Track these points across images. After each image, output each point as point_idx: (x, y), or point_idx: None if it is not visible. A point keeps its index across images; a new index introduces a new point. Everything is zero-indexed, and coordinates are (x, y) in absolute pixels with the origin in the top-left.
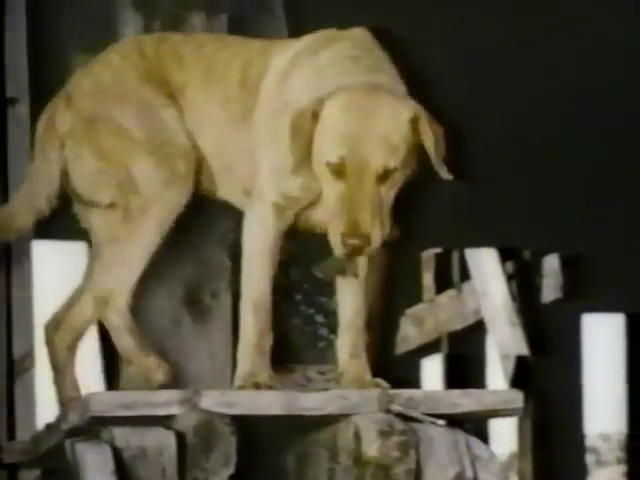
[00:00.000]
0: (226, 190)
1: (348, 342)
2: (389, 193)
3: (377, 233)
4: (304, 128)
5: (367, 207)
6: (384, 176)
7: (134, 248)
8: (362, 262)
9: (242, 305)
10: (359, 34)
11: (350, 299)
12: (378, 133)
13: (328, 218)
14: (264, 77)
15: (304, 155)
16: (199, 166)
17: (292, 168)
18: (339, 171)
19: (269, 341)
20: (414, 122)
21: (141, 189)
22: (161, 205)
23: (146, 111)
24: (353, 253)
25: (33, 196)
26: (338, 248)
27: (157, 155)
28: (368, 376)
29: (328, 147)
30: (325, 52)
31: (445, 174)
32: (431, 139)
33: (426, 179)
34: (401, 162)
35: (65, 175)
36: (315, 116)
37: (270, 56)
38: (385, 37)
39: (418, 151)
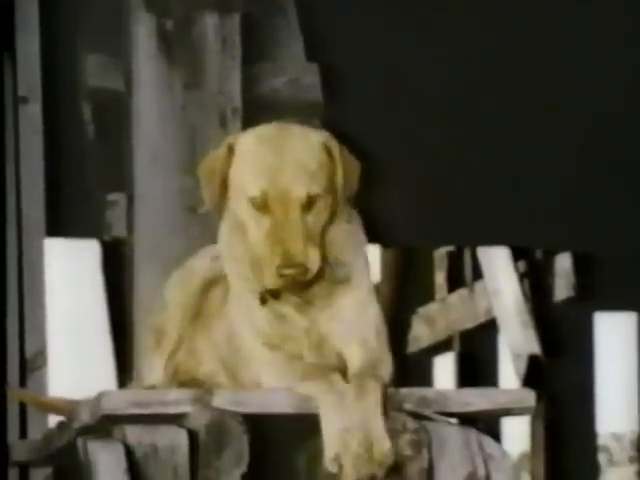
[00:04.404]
0: None
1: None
2: (316, 221)
3: (313, 259)
4: (216, 170)
5: (297, 236)
6: (309, 203)
7: None
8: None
9: None
10: None
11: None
12: (294, 161)
13: (259, 256)
14: None
15: (218, 198)
16: None
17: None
18: (262, 205)
19: None
20: (327, 148)
21: None
22: None
23: None
24: (291, 285)
25: None
26: (274, 282)
27: None
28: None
29: (248, 181)
30: None
31: (345, 209)
32: (341, 169)
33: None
34: (323, 188)
35: None
36: (231, 150)
37: None
38: None
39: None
